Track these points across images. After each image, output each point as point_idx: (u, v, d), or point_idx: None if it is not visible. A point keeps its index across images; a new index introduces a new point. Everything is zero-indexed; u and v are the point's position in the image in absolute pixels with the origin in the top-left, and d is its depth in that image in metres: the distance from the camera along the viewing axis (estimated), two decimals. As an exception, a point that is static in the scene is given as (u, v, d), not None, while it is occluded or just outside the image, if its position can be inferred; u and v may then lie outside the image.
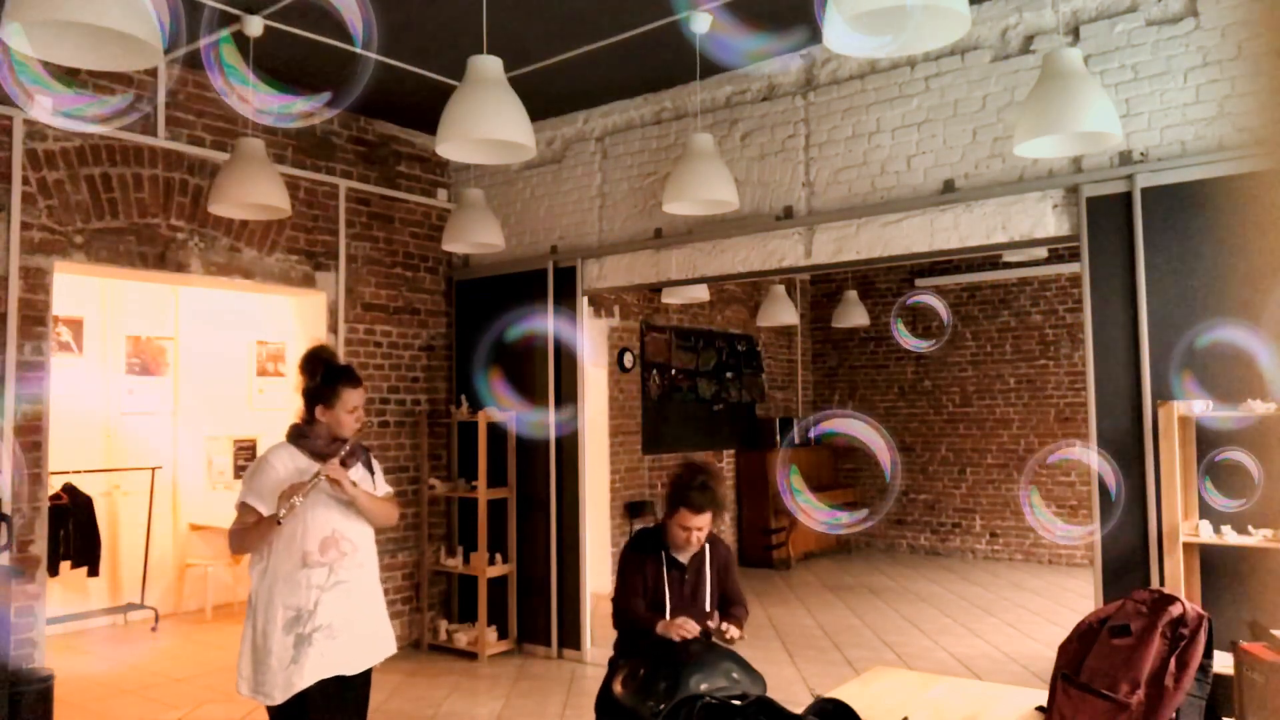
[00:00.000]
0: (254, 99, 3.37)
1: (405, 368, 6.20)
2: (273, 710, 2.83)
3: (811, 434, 5.47)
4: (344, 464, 2.87)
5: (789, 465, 5.72)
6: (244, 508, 2.86)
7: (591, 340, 6.67)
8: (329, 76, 4.99)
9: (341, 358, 5.69)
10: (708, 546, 3.38)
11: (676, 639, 3.09)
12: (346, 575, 2.89)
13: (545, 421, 5.90)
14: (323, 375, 2.95)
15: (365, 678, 2.98)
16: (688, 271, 5.47)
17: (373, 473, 3.06)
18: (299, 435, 2.94)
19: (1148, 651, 2.29)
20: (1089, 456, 3.96)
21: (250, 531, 2.82)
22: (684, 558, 3.35)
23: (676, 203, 4.43)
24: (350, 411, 2.93)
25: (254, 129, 4.73)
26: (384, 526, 3.07)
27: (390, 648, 3.04)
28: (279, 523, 2.72)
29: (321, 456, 2.86)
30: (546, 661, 5.80)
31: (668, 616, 3.23)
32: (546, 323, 6.00)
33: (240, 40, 4.54)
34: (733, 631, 3.22)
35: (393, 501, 3.09)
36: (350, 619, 2.87)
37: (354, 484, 2.88)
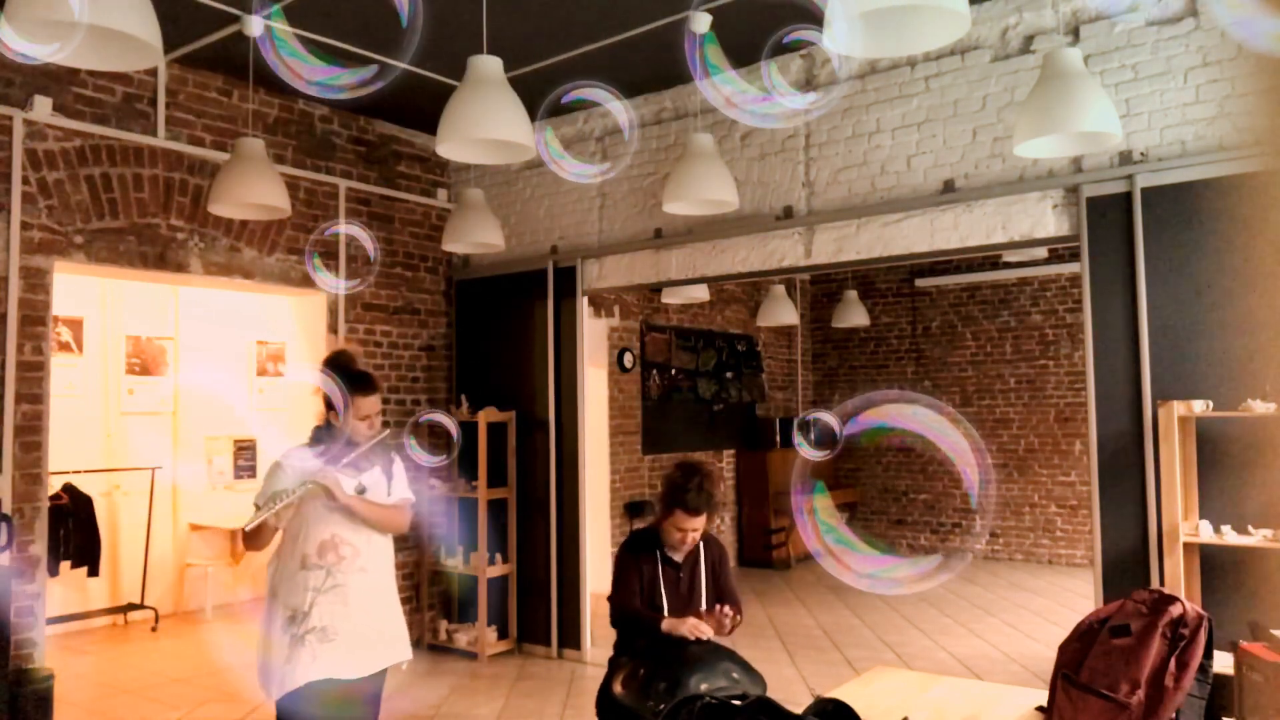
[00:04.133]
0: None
1: (405, 368, 6.20)
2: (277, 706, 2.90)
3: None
4: (357, 468, 2.98)
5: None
6: (255, 508, 2.95)
7: (591, 340, 6.67)
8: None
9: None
10: (702, 545, 3.38)
11: (691, 638, 3.10)
12: (344, 579, 2.92)
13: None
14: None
15: (375, 684, 2.98)
16: (688, 271, 5.47)
17: (390, 478, 3.13)
18: (314, 439, 3.07)
19: (1148, 651, 2.29)
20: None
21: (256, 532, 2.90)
22: (679, 557, 3.36)
23: (676, 203, 4.43)
24: (363, 418, 3.02)
25: (252, 128, 4.74)
26: (390, 532, 3.11)
27: (403, 653, 3.05)
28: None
29: (332, 461, 2.95)
30: (546, 661, 5.80)
31: (666, 616, 3.23)
32: (546, 323, 6.00)
33: (240, 40, 4.54)
34: (728, 617, 3.19)
35: (401, 508, 3.14)
36: (348, 623, 2.89)
37: (361, 490, 2.96)
